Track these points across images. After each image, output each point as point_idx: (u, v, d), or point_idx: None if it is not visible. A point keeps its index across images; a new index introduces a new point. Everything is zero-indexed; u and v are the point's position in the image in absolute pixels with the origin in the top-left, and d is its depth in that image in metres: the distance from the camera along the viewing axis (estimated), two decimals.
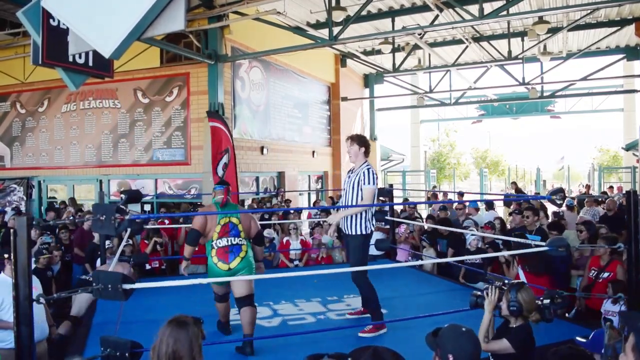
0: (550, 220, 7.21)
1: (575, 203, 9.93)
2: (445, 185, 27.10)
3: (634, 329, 1.71)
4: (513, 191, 12.68)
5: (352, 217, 4.41)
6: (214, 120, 9.09)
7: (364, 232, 4.40)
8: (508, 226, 7.50)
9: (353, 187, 4.45)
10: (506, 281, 3.13)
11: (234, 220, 4.29)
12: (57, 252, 6.53)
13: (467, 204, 8.51)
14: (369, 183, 4.37)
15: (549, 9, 9.72)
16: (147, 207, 10.58)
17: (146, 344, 3.02)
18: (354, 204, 4.41)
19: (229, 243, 4.20)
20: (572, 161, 35.11)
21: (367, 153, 4.54)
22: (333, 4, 8.71)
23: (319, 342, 4.08)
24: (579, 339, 2.69)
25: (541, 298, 3.11)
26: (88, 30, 3.05)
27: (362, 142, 4.53)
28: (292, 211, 8.87)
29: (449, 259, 6.38)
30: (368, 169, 4.43)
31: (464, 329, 2.17)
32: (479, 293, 3.10)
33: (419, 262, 6.98)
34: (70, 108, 11.14)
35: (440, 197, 12.70)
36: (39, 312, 4.29)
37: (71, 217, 8.64)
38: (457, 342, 2.12)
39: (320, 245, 7.85)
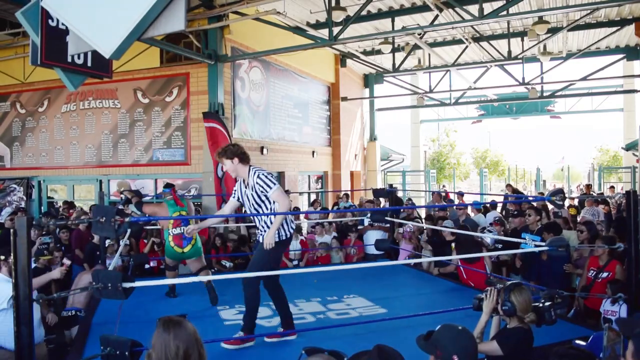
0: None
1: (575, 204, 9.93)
2: (445, 185, 27.11)
3: (632, 335, 1.70)
4: (509, 193, 12.63)
5: (268, 224, 4.08)
6: (211, 121, 9.08)
7: (276, 240, 4.02)
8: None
9: (257, 200, 4.08)
10: (508, 283, 3.13)
11: (184, 214, 5.52)
12: (57, 253, 6.53)
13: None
14: (270, 187, 4.01)
15: (549, 9, 9.73)
16: None
17: (145, 343, 3.02)
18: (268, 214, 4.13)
19: (182, 232, 5.30)
20: (572, 161, 35.16)
21: (243, 160, 4.09)
22: (333, 4, 8.72)
23: (319, 341, 4.07)
24: (577, 342, 2.68)
25: (541, 299, 3.10)
26: (88, 31, 3.05)
27: (231, 153, 4.06)
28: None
29: (450, 257, 6.36)
30: (259, 175, 4.03)
31: (459, 328, 2.17)
32: (481, 296, 3.10)
33: (416, 260, 6.97)
34: (70, 108, 11.14)
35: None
36: (35, 315, 4.26)
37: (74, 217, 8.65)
38: (458, 341, 2.12)
39: (313, 245, 7.88)
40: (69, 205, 10.10)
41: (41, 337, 4.31)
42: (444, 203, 10.78)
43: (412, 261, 7.01)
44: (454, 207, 9.17)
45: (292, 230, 4.16)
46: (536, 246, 4.42)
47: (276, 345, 4.05)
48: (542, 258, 5.48)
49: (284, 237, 4.09)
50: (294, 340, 4.17)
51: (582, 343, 2.74)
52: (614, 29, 12.04)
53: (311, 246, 7.88)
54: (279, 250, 4.16)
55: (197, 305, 5.12)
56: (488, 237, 6.33)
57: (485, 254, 5.96)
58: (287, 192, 11.46)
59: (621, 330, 1.93)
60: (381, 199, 9.80)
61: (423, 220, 8.68)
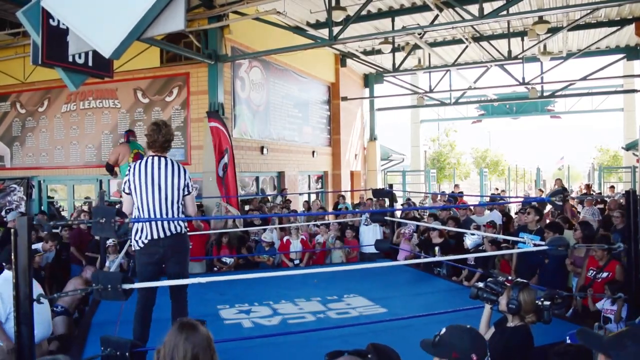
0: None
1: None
2: (445, 185, 27.12)
3: (600, 348, 1.59)
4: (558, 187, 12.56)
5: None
6: (214, 121, 9.11)
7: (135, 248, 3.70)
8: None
9: None
10: (510, 277, 3.16)
11: (142, 152, 6.67)
12: (51, 243, 6.56)
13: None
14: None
15: (549, 9, 9.73)
16: None
17: (146, 343, 3.01)
18: None
19: None
20: (572, 161, 35.13)
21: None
22: (333, 3, 8.72)
23: (319, 340, 4.08)
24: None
25: (541, 298, 3.12)
26: (88, 31, 3.05)
27: None
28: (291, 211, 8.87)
29: (447, 257, 6.36)
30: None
31: (468, 327, 2.15)
32: (480, 285, 3.12)
33: (416, 261, 6.98)
34: (70, 108, 11.15)
35: (439, 197, 12.68)
36: (45, 311, 4.31)
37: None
38: (473, 340, 2.10)
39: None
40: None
41: (48, 333, 4.35)
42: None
43: (413, 262, 7.01)
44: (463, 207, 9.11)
45: (144, 240, 3.61)
46: (535, 245, 4.42)
47: (276, 345, 4.05)
48: (540, 258, 5.48)
49: (141, 244, 3.63)
50: (295, 339, 4.17)
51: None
52: (614, 28, 12.04)
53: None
54: (142, 261, 3.67)
55: (197, 305, 5.11)
56: (469, 240, 6.37)
57: (469, 255, 5.99)
58: (283, 190, 11.57)
59: (584, 343, 1.81)
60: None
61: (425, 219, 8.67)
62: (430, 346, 2.12)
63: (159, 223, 3.59)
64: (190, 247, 5.33)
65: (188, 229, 3.87)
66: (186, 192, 3.75)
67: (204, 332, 2.02)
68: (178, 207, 3.69)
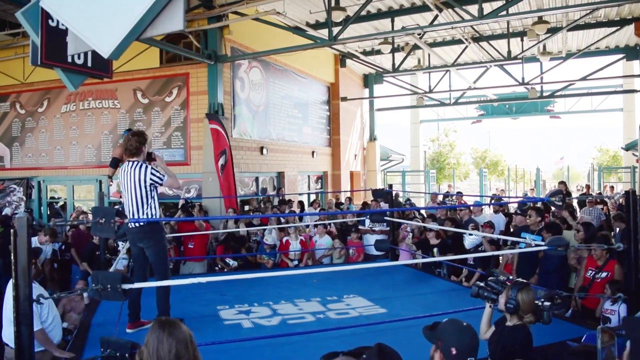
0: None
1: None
2: (445, 186, 27.10)
3: (631, 337, 1.70)
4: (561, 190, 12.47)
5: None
6: (213, 122, 9.12)
7: None
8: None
9: None
10: (510, 277, 3.17)
11: None
12: (51, 237, 6.68)
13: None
14: None
15: (549, 9, 9.74)
16: None
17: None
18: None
19: None
20: (571, 161, 35.13)
21: None
22: (333, 4, 8.72)
23: (319, 341, 4.08)
24: (571, 342, 2.71)
25: (541, 299, 3.12)
26: (87, 31, 3.05)
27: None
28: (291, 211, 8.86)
29: (446, 257, 6.36)
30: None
31: (464, 324, 2.29)
32: (481, 284, 3.13)
33: (416, 261, 6.98)
34: (70, 108, 11.14)
35: (440, 198, 12.67)
36: (57, 313, 4.33)
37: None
38: (461, 336, 2.23)
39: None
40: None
41: (58, 339, 4.35)
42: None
43: (413, 262, 7.01)
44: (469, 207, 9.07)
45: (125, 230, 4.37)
46: (536, 246, 4.42)
47: (276, 346, 4.05)
48: (541, 258, 5.48)
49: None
50: (295, 339, 4.17)
51: (575, 344, 2.76)
52: (614, 29, 12.05)
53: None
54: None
55: (197, 305, 5.12)
56: (467, 240, 6.36)
57: (468, 255, 5.99)
58: (279, 189, 11.57)
59: (625, 329, 1.94)
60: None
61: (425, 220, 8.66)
62: (427, 330, 2.35)
63: (131, 218, 4.25)
64: (192, 247, 5.77)
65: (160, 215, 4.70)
66: (155, 186, 4.27)
67: (184, 328, 2.04)
68: (147, 202, 4.23)
